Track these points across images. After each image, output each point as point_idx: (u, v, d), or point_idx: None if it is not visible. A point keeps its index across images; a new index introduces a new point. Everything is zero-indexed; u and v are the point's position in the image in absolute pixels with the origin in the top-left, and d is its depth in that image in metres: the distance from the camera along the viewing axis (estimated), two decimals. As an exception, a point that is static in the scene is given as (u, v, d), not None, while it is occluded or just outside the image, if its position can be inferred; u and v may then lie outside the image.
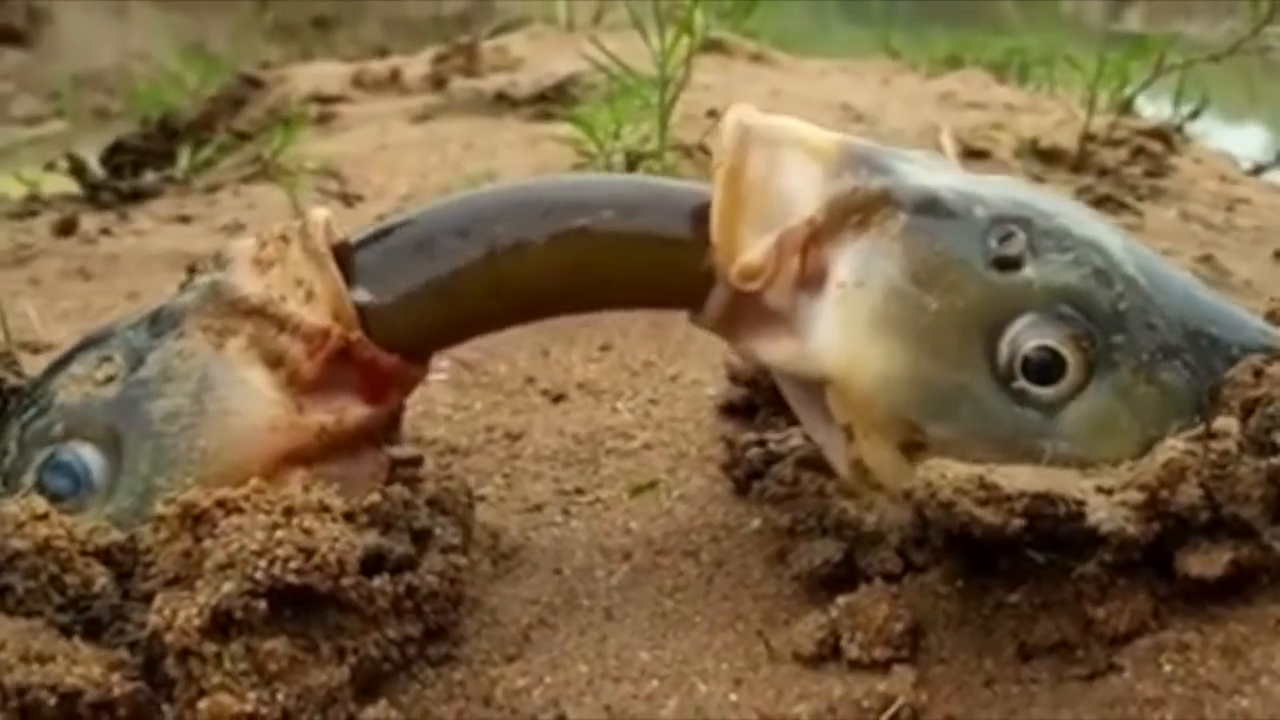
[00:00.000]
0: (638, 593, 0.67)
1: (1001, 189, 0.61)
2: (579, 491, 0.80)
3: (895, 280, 0.58)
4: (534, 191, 0.64)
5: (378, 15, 5.31)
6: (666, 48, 1.08)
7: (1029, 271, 0.58)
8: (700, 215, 0.61)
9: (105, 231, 1.42)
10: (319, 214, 0.64)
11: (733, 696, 0.58)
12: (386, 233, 0.65)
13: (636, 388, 0.94)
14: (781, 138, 0.60)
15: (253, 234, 0.66)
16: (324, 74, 2.35)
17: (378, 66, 2.32)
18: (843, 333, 0.58)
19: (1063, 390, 0.57)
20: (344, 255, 0.64)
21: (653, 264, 0.62)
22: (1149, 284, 0.58)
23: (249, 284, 0.63)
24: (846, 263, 0.59)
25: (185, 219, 1.51)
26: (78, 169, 1.71)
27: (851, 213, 0.59)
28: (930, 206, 0.59)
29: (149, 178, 1.78)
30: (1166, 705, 0.51)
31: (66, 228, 1.39)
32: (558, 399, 0.93)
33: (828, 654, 0.59)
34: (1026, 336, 0.57)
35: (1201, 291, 0.62)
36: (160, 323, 0.64)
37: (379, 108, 2.06)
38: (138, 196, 1.65)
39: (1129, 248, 0.60)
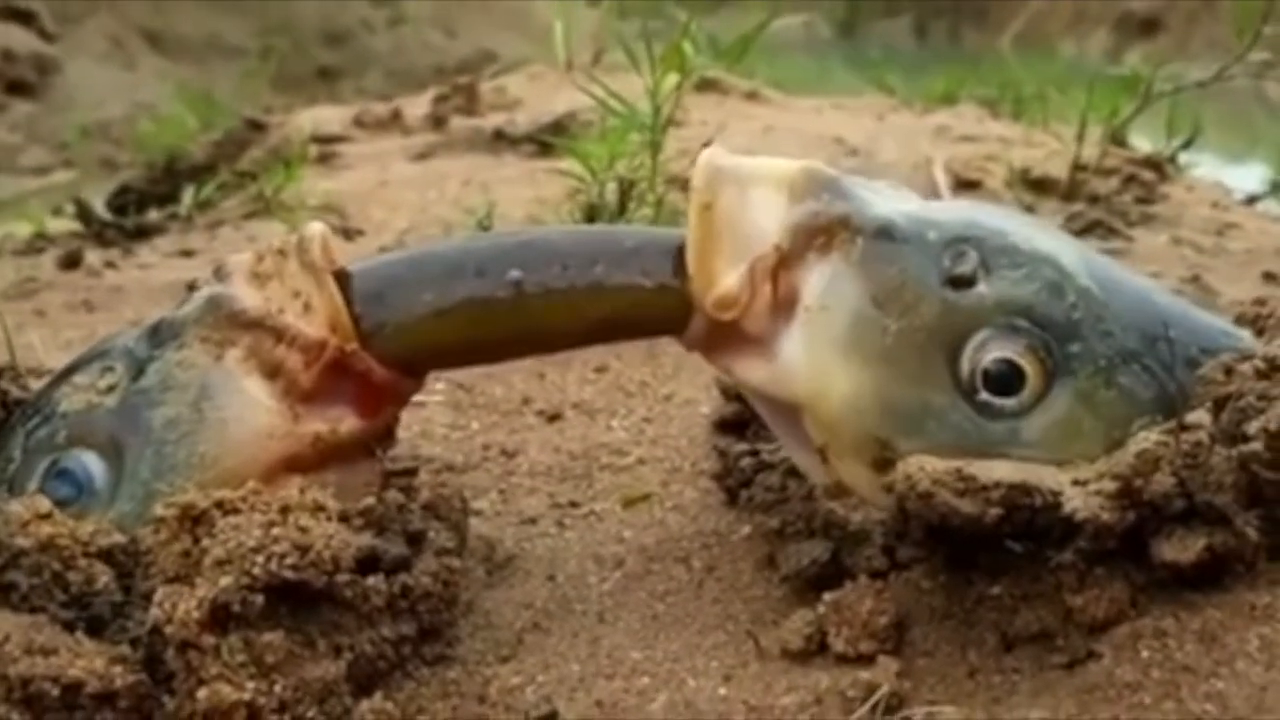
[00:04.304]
0: (629, 597, 0.69)
1: (956, 212, 0.64)
2: (573, 504, 0.81)
3: (856, 303, 0.60)
4: (547, 235, 0.66)
5: (381, 65, 5.37)
6: (658, 78, 1.10)
7: (983, 288, 0.60)
8: (681, 253, 0.63)
9: (110, 265, 1.45)
10: (315, 228, 0.66)
11: (722, 690, 0.59)
12: (393, 258, 0.67)
13: (631, 407, 0.95)
14: (751, 174, 0.62)
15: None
16: (326, 117, 2.39)
17: (379, 107, 2.36)
18: (809, 356, 0.60)
19: (1024, 400, 0.59)
20: (344, 274, 0.65)
21: (644, 302, 0.64)
22: (1103, 292, 0.60)
23: (247, 296, 0.65)
24: (811, 286, 0.61)
25: (188, 253, 1.53)
26: (84, 214, 1.73)
27: (815, 236, 0.61)
28: (886, 232, 0.61)
29: (153, 216, 1.80)
30: (1145, 690, 0.52)
31: (72, 261, 1.42)
32: (553, 418, 0.94)
33: (815, 649, 0.60)
34: (985, 350, 0.59)
35: (1161, 296, 0.63)
36: (161, 334, 0.65)
37: (380, 146, 2.09)
38: (142, 233, 1.67)
39: (1084, 259, 0.62)
